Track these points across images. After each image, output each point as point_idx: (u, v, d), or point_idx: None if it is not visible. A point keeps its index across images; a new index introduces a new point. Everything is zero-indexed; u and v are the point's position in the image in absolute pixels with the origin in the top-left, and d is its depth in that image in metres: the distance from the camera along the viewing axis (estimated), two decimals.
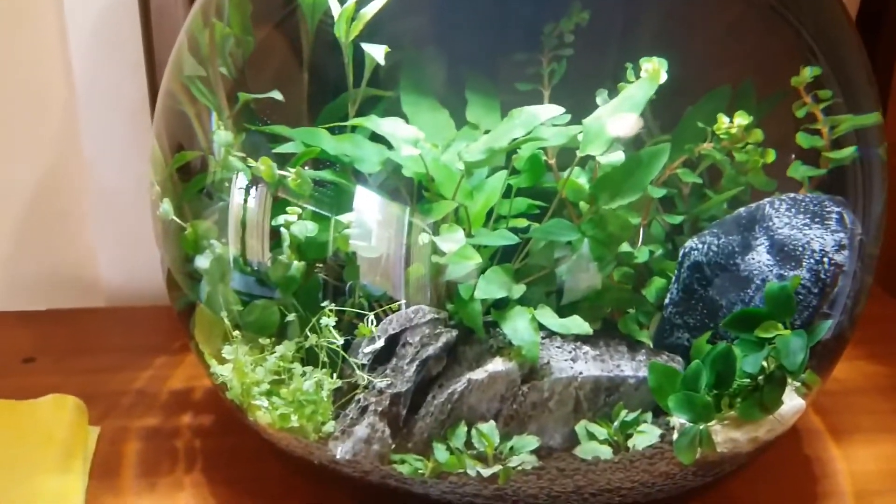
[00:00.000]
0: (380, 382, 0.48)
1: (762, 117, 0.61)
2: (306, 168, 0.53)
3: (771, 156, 0.57)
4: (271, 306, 0.51)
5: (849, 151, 0.59)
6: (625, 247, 0.57)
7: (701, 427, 0.46)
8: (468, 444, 0.49)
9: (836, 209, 0.54)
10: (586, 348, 0.53)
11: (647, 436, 0.50)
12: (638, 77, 0.54)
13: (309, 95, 0.60)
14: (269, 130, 0.55)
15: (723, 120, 0.56)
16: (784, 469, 0.60)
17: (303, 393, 0.46)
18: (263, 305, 0.50)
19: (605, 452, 0.50)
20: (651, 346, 0.57)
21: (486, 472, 0.48)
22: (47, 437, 0.57)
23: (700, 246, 0.57)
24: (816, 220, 0.54)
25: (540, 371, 0.51)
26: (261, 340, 0.48)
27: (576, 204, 0.56)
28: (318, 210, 0.49)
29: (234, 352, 0.47)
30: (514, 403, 0.50)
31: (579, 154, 0.52)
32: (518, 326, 0.50)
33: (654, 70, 0.52)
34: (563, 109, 0.51)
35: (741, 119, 0.56)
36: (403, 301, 0.49)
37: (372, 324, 0.48)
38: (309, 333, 0.47)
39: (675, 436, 0.49)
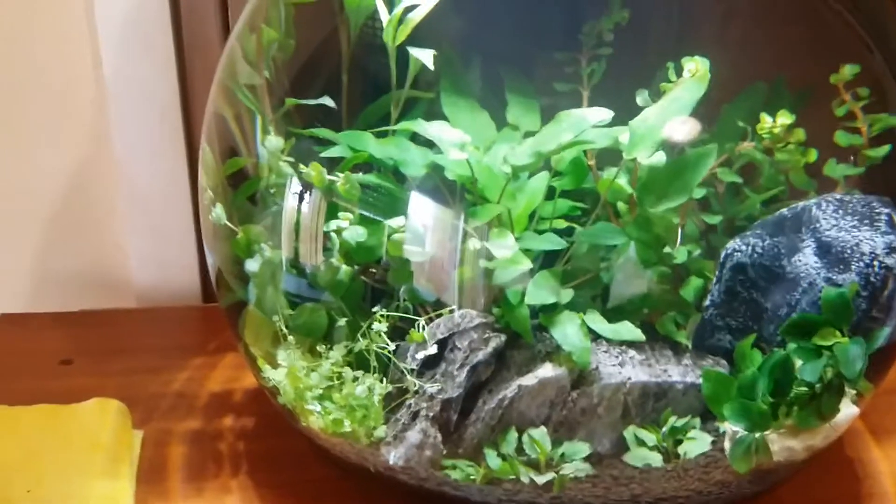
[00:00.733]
0: (431, 388, 0.48)
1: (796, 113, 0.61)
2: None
3: (813, 155, 0.57)
4: (319, 309, 0.51)
5: (885, 150, 0.59)
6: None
7: (757, 435, 0.46)
8: (519, 449, 0.49)
9: (885, 210, 0.54)
10: (632, 353, 0.53)
11: (698, 443, 0.50)
12: (679, 76, 0.54)
13: (348, 97, 0.60)
14: (315, 134, 0.55)
15: (766, 119, 0.55)
16: (826, 471, 0.59)
17: (355, 398, 0.46)
18: (312, 309, 0.51)
19: (655, 459, 0.50)
20: (690, 347, 0.57)
21: (541, 480, 0.48)
22: (93, 442, 0.58)
23: (743, 247, 0.56)
24: (865, 221, 0.54)
25: (589, 377, 0.51)
26: (318, 347, 0.48)
27: (615, 205, 0.56)
28: (368, 214, 0.49)
29: (289, 357, 0.48)
30: (564, 409, 0.50)
31: (626, 156, 0.52)
32: (568, 332, 0.50)
33: (700, 71, 0.52)
34: (611, 113, 0.51)
35: (784, 118, 0.55)
36: (453, 307, 0.49)
37: (423, 329, 0.48)
38: (360, 338, 0.47)
39: (727, 443, 0.49)
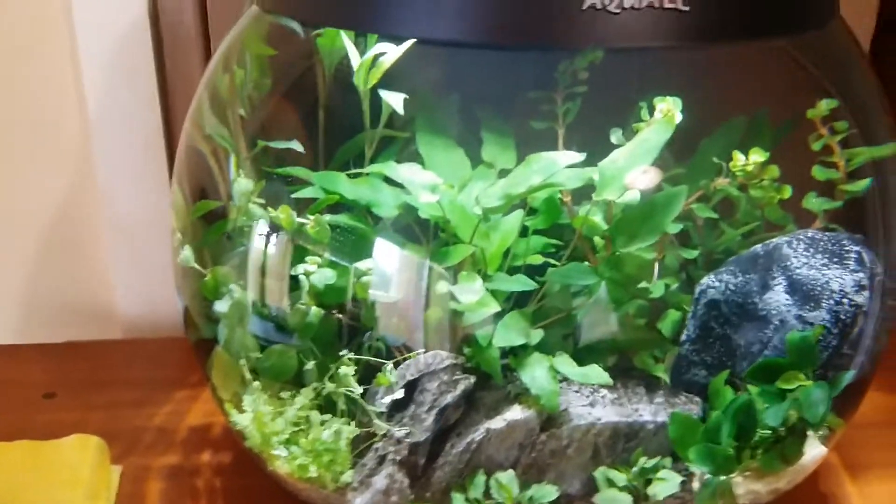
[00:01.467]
0: (398, 431, 0.48)
1: (774, 148, 0.61)
2: (325, 213, 0.53)
3: (787, 192, 0.57)
4: (289, 351, 0.51)
5: (864, 184, 0.59)
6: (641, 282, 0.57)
7: (722, 478, 0.47)
8: (487, 493, 0.49)
9: (855, 248, 0.54)
10: (604, 391, 0.53)
11: (668, 484, 0.50)
12: (652, 116, 0.54)
13: (325, 136, 0.60)
14: (287, 173, 0.55)
15: (738, 157, 0.56)
16: None
17: (321, 442, 0.46)
18: (281, 351, 0.51)
19: (625, 500, 0.50)
20: (668, 381, 0.57)
21: None
22: (73, 479, 0.58)
23: (717, 284, 0.57)
24: (835, 259, 0.54)
25: (558, 418, 0.51)
26: (281, 394, 0.48)
27: (591, 240, 0.56)
28: (336, 259, 0.50)
29: (254, 402, 0.48)
30: (533, 452, 0.50)
31: (595, 198, 0.53)
32: (537, 374, 0.50)
33: (668, 112, 0.52)
34: (581, 156, 0.51)
35: (757, 156, 0.56)
36: (422, 350, 0.49)
37: (390, 373, 0.48)
38: (327, 382, 0.48)
39: (697, 483, 0.49)
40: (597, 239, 0.55)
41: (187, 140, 0.57)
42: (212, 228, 0.54)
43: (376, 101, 0.56)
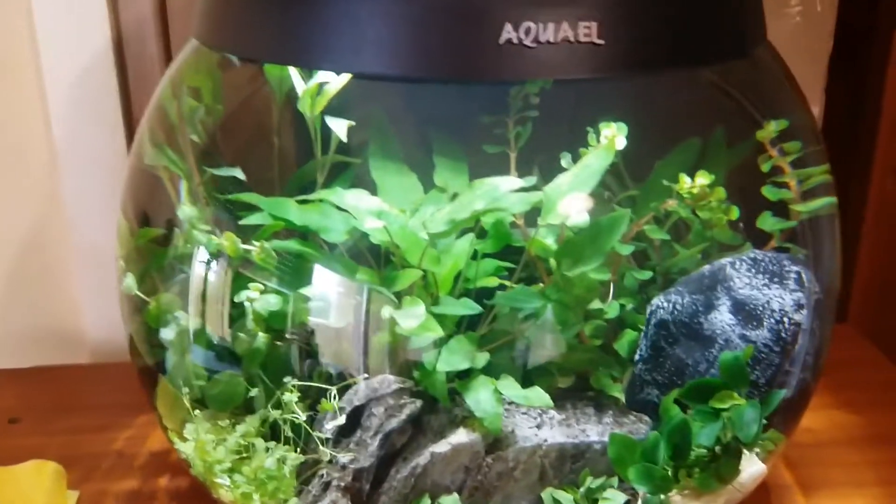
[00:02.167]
0: (343, 457, 0.49)
1: (731, 168, 0.62)
2: (273, 239, 0.54)
3: (735, 213, 0.58)
4: (236, 378, 0.51)
5: (821, 202, 0.60)
6: (596, 302, 0.58)
7: (662, 497, 0.47)
8: None
9: (795, 268, 0.55)
10: (552, 413, 0.54)
11: (612, 503, 0.50)
12: (599, 141, 0.55)
13: (280, 162, 0.61)
14: (237, 199, 0.56)
15: (684, 180, 0.57)
16: None
17: (264, 470, 0.47)
18: (228, 378, 0.51)
19: None
20: (623, 400, 0.57)
21: None
22: None
23: (666, 304, 0.57)
24: (776, 279, 0.55)
25: (504, 440, 0.51)
26: (219, 423, 0.49)
27: (546, 261, 0.57)
28: (278, 287, 0.50)
29: (195, 431, 0.48)
30: (479, 474, 0.51)
31: (540, 221, 0.53)
32: (481, 398, 0.50)
33: (610, 139, 0.53)
34: (521, 182, 0.52)
35: (702, 179, 0.57)
36: (364, 376, 0.50)
37: (335, 399, 0.49)
38: (271, 409, 0.48)
39: (640, 502, 0.50)
40: (552, 261, 0.56)
41: (133, 166, 0.57)
42: (155, 255, 0.54)
43: (328, 127, 0.57)
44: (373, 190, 0.56)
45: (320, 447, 0.49)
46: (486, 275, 0.57)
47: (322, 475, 0.49)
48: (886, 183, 0.83)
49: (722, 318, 0.55)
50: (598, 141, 0.55)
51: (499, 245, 0.57)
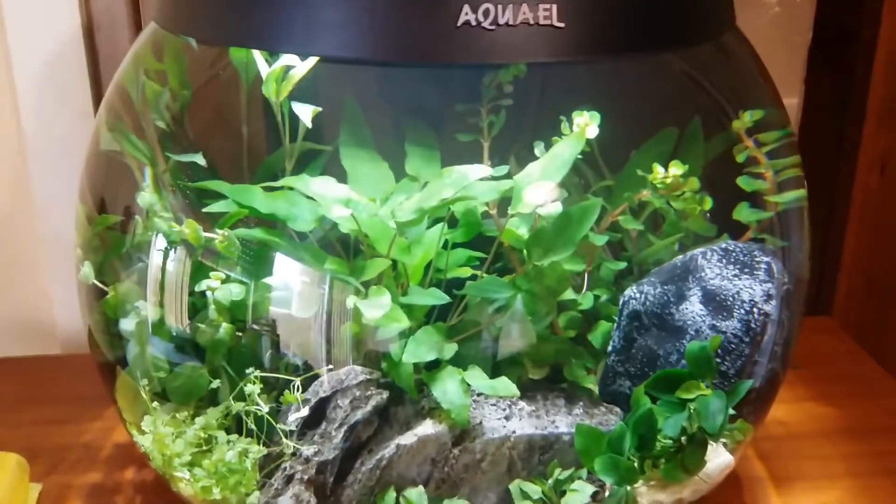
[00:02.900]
0: (307, 450, 0.48)
1: (709, 159, 0.61)
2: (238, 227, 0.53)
3: (708, 203, 0.57)
4: (199, 370, 0.50)
5: (797, 194, 0.60)
6: (570, 293, 0.57)
7: (629, 489, 0.46)
8: None
9: (765, 259, 0.55)
10: (522, 404, 0.53)
11: (579, 494, 0.50)
12: (572, 130, 0.54)
13: (248, 149, 0.60)
14: (202, 187, 0.55)
15: (658, 170, 0.56)
16: None
17: (225, 464, 0.46)
18: (190, 370, 0.50)
19: None
20: (596, 391, 0.57)
21: None
22: None
23: (638, 295, 0.57)
24: (746, 270, 0.54)
25: (472, 432, 0.50)
26: (177, 415, 0.48)
27: (520, 251, 0.56)
28: (239, 276, 0.49)
29: (153, 424, 0.47)
30: (446, 466, 0.50)
31: (510, 210, 0.53)
32: (448, 389, 0.49)
33: (581, 127, 0.52)
34: (490, 170, 0.51)
35: (675, 169, 0.56)
36: (328, 367, 0.49)
37: (298, 390, 0.48)
38: (233, 401, 0.47)
39: (607, 493, 0.49)
40: (525, 251, 0.55)
41: (91, 151, 0.56)
42: (113, 243, 0.53)
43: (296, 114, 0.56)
44: (343, 178, 0.56)
45: (284, 439, 0.48)
46: (458, 265, 0.56)
47: (285, 468, 0.48)
48: (871, 178, 0.82)
49: (693, 308, 0.55)
50: (571, 129, 0.54)
51: (469, 234, 0.56)
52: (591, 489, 0.50)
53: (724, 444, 0.51)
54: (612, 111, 0.53)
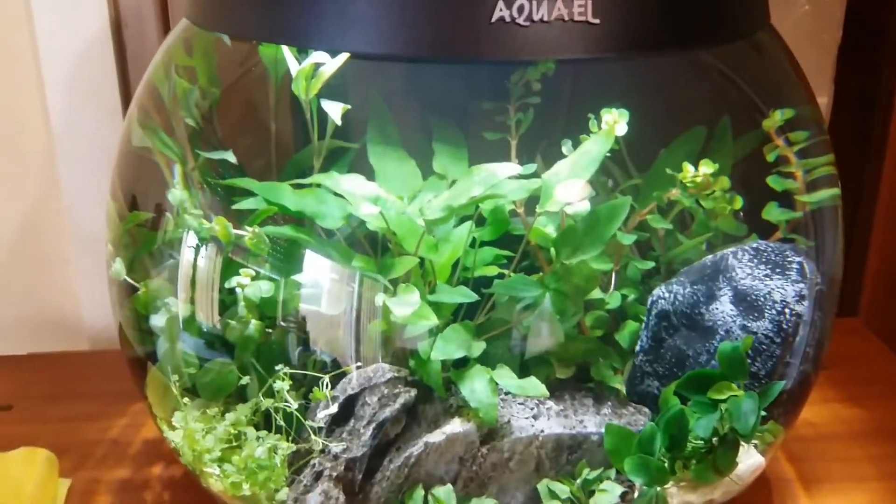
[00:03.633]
0: (335, 447, 0.48)
1: (739, 158, 0.61)
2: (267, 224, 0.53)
3: (739, 202, 0.57)
4: (228, 366, 0.51)
5: (827, 193, 0.59)
6: (597, 292, 0.57)
7: (658, 490, 0.46)
8: None
9: (797, 259, 0.54)
10: (550, 403, 0.53)
11: (608, 494, 0.49)
12: (600, 128, 0.54)
13: (277, 146, 0.60)
14: (231, 184, 0.55)
15: (688, 169, 0.55)
16: None
17: (255, 460, 0.46)
18: (220, 366, 0.50)
19: None
20: (623, 391, 0.56)
21: None
22: (16, 493, 0.58)
23: (667, 294, 0.56)
24: (777, 270, 0.54)
25: (500, 431, 0.50)
26: (208, 411, 0.48)
27: (547, 250, 0.56)
28: (270, 273, 0.49)
29: (184, 419, 0.47)
30: (474, 465, 0.50)
31: (538, 209, 0.52)
32: (476, 388, 0.49)
33: (610, 125, 0.52)
34: (519, 168, 0.51)
35: (706, 168, 0.55)
36: (356, 364, 0.49)
37: (327, 387, 0.48)
38: (262, 398, 0.47)
39: (636, 494, 0.49)
40: (552, 250, 0.55)
41: (122, 149, 0.57)
42: (144, 240, 0.53)
43: (325, 111, 0.56)
44: (371, 176, 0.56)
45: (312, 436, 0.48)
46: (485, 263, 0.56)
47: (314, 465, 0.48)
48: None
49: (723, 308, 0.54)
50: (599, 127, 0.54)
51: (497, 233, 0.56)
52: (619, 489, 0.50)
53: (755, 446, 0.51)
54: (640, 108, 0.53)
